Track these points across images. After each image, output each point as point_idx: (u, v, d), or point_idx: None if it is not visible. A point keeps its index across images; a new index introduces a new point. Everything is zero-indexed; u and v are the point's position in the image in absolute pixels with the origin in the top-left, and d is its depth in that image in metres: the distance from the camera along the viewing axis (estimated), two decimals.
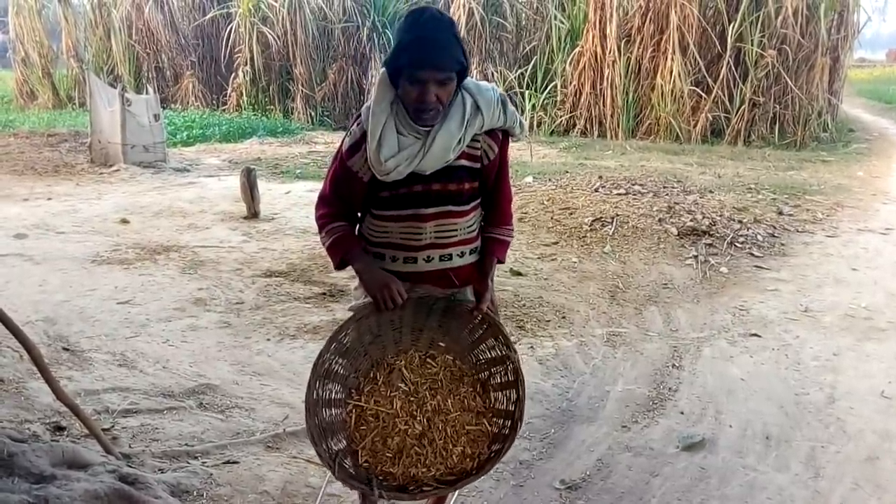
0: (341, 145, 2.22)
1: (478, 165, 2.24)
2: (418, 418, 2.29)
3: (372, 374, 2.33)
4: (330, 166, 2.29)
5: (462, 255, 2.33)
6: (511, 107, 2.25)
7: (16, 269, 5.48)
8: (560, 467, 3.21)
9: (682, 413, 3.74)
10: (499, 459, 2.25)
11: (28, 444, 2.40)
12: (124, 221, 7.19)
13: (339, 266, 2.33)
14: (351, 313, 2.37)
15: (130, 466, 2.70)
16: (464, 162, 2.21)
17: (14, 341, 3.59)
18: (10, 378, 3.44)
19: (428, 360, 2.39)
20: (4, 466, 2.28)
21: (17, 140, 11.42)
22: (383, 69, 2.12)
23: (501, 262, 2.44)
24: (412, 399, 2.31)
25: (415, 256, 2.28)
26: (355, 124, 2.18)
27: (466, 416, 2.33)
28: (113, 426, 3.22)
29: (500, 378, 2.37)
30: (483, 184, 2.30)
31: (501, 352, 2.35)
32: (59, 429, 3.06)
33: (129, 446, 3.04)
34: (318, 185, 8.57)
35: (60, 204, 7.99)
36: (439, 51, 2.02)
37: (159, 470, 2.86)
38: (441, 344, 2.40)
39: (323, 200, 2.32)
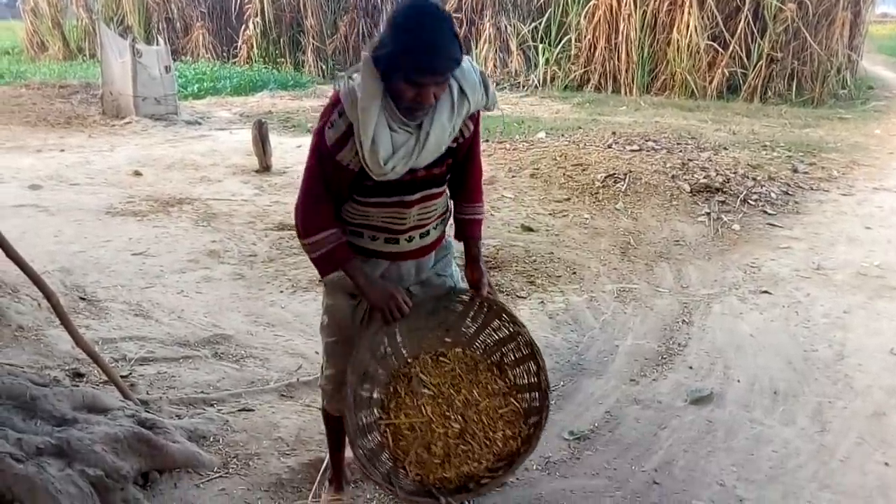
0: (322, 138, 2.04)
1: (454, 145, 2.20)
2: (452, 417, 2.28)
3: (392, 389, 2.32)
4: (309, 161, 2.11)
5: (436, 227, 2.33)
6: (491, 84, 2.17)
7: (31, 219, 5.52)
8: (569, 419, 3.27)
9: (690, 368, 3.77)
10: (541, 431, 2.24)
11: (49, 389, 2.46)
12: (137, 174, 7.21)
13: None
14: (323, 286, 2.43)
15: (149, 412, 2.77)
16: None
17: (32, 290, 3.65)
18: (30, 325, 3.50)
19: (440, 358, 2.39)
20: (27, 409, 2.34)
21: (28, 91, 11.40)
22: (367, 55, 1.95)
23: (480, 239, 2.45)
24: (440, 400, 2.31)
25: (397, 238, 2.24)
26: (336, 114, 2.02)
27: (496, 401, 2.34)
28: (130, 374, 3.29)
29: (514, 355, 2.39)
30: (454, 158, 2.25)
31: (510, 329, 2.37)
32: (78, 375, 3.13)
33: (147, 393, 3.11)
34: None
35: (73, 155, 8.01)
36: (442, 57, 1.91)
37: (176, 416, 2.93)
38: (447, 339, 2.42)
39: (309, 199, 2.15)
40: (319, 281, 2.48)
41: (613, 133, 8.56)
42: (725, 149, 8.21)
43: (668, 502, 2.71)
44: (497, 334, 2.41)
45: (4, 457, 2.06)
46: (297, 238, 2.22)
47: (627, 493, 2.77)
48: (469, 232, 2.42)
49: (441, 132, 2.05)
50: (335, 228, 2.16)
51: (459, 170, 2.30)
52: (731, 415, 3.33)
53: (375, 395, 2.28)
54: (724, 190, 6.66)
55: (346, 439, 2.34)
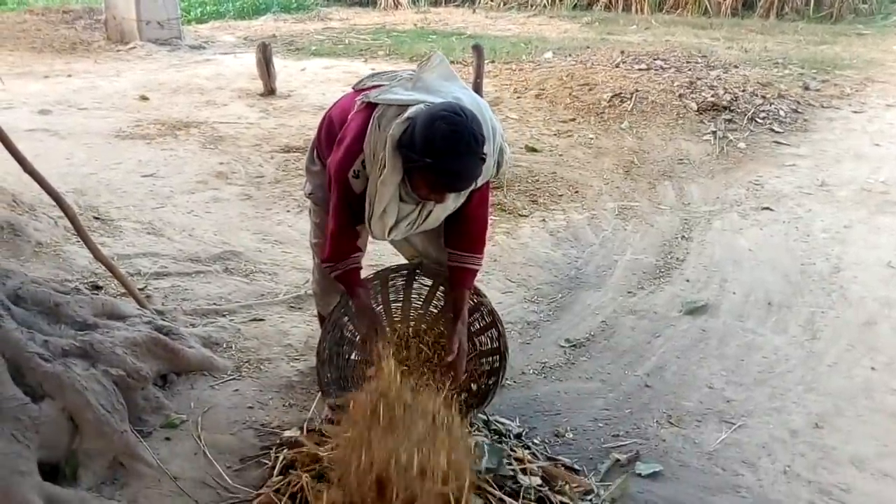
0: (348, 185, 2.16)
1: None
2: (416, 373, 2.54)
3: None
4: (336, 202, 2.22)
5: None
6: (506, 153, 2.26)
7: (42, 143, 5.60)
8: (565, 328, 3.40)
9: (687, 281, 3.87)
10: (497, 388, 2.53)
11: (71, 296, 2.59)
12: (144, 98, 7.22)
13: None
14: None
15: (164, 320, 2.90)
16: None
17: (49, 209, 3.79)
18: (48, 242, 3.62)
19: (412, 327, 2.67)
20: (51, 314, 2.48)
21: (32, 17, 11.26)
22: (394, 138, 2.02)
23: (470, 290, 2.48)
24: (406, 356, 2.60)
25: None
26: (360, 164, 2.12)
27: None
28: (146, 287, 3.42)
29: (479, 323, 2.65)
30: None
31: (474, 300, 2.59)
32: (96, 287, 3.26)
33: (162, 304, 3.24)
34: (334, 62, 8.39)
35: (80, 81, 8.00)
36: (465, 181, 2.05)
37: (190, 325, 3.07)
38: (420, 311, 2.68)
39: (340, 234, 2.27)
40: (307, 195, 2.62)
41: (622, 52, 8.44)
42: (736, 67, 8.09)
43: (658, 403, 2.85)
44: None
45: (33, 356, 2.20)
46: (322, 260, 2.42)
47: (619, 394, 2.91)
48: (458, 281, 2.42)
49: (442, 212, 2.23)
50: (356, 253, 2.34)
51: (457, 217, 2.32)
52: (725, 324, 3.44)
53: (353, 357, 2.59)
54: (732, 108, 6.62)
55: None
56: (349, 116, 2.23)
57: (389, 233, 2.19)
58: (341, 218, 2.24)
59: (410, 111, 2.04)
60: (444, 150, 1.94)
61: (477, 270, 2.45)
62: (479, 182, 2.20)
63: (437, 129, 1.94)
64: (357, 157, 2.11)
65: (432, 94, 2.12)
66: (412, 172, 2.04)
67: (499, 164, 2.25)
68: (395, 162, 2.04)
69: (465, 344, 2.44)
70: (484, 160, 2.04)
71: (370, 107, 2.13)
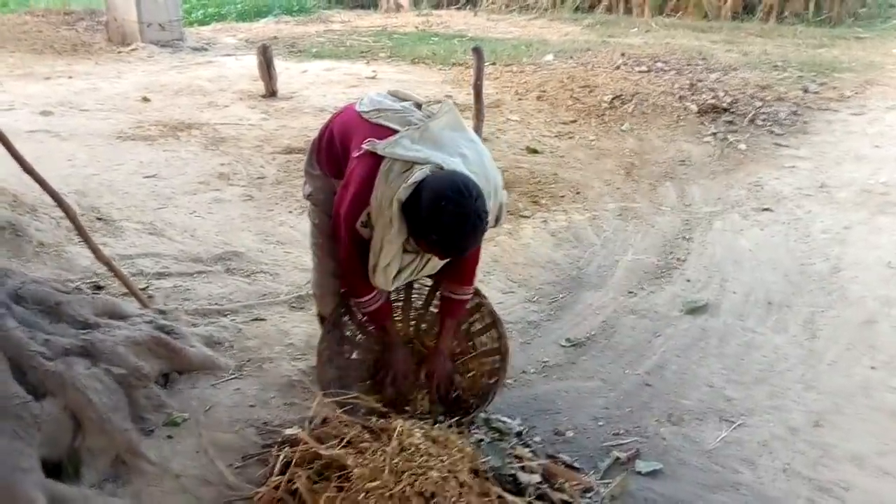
0: (356, 232, 2.18)
1: None
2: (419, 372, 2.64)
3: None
4: (346, 246, 2.25)
5: None
6: (504, 206, 2.32)
7: (44, 144, 5.61)
8: (566, 327, 3.41)
9: (688, 281, 3.88)
10: (498, 388, 2.55)
11: (72, 296, 2.60)
12: (145, 100, 7.24)
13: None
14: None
15: (166, 320, 2.91)
16: None
17: (51, 210, 3.80)
18: (50, 242, 3.63)
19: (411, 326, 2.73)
20: (52, 314, 2.48)
21: (33, 18, 11.28)
22: (400, 200, 2.05)
23: (457, 321, 2.58)
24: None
25: None
26: (366, 215, 2.15)
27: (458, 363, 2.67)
28: (147, 287, 3.43)
29: (479, 324, 2.68)
30: None
31: (474, 301, 2.63)
32: (97, 288, 3.26)
33: (164, 304, 3.25)
34: (336, 65, 8.41)
35: (82, 82, 8.02)
36: (466, 250, 2.12)
37: (192, 325, 3.07)
38: (421, 311, 2.72)
39: (354, 274, 2.29)
40: (306, 196, 2.63)
41: (623, 54, 8.47)
42: (735, 69, 8.13)
43: (658, 402, 2.86)
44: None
45: (35, 355, 2.21)
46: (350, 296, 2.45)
47: (620, 393, 2.92)
48: (448, 312, 2.52)
49: (440, 262, 2.27)
50: (383, 292, 2.37)
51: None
52: (725, 324, 3.46)
53: (355, 356, 2.65)
54: (732, 110, 6.65)
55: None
56: (353, 158, 2.22)
57: (392, 282, 2.23)
58: (353, 259, 2.26)
59: (417, 174, 2.05)
60: (450, 231, 2.01)
61: (466, 301, 2.52)
62: None
63: (444, 211, 1.98)
64: (364, 208, 2.14)
65: (439, 149, 2.14)
66: (416, 237, 2.10)
67: (497, 218, 2.29)
68: (402, 225, 2.08)
69: (448, 370, 2.58)
70: (486, 230, 2.10)
71: (376, 155, 2.13)
